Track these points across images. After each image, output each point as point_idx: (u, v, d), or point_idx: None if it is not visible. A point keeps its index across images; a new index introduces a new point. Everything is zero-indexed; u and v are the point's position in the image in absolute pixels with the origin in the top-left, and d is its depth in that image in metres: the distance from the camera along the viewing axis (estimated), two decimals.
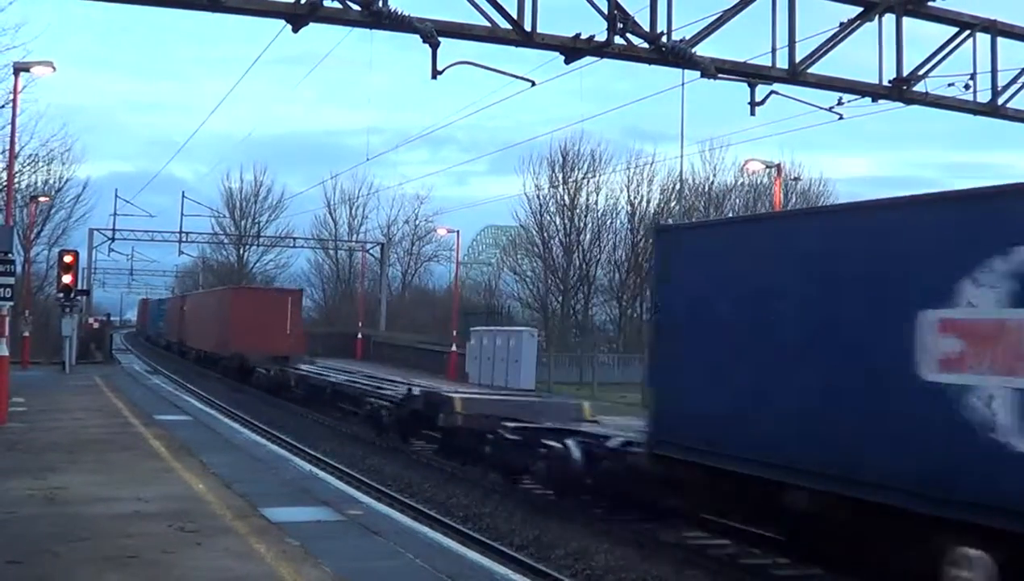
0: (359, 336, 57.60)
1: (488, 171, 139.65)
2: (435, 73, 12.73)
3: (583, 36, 13.05)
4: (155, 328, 79.91)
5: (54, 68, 25.74)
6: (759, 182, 52.26)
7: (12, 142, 27.87)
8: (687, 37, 13.44)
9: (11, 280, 21.31)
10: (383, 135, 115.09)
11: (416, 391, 22.76)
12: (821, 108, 15.73)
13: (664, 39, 13.22)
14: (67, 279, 36.69)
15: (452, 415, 19.81)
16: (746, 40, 14.97)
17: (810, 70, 14.31)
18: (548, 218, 59.52)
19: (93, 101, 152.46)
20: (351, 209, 77.15)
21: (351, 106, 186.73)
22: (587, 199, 58.79)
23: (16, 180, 36.58)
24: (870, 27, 14.38)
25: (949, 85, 15.32)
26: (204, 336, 49.20)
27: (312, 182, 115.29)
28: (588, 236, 58.71)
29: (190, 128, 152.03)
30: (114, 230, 61.36)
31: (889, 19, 14.45)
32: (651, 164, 56.20)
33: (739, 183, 54.96)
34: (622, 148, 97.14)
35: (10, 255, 21.50)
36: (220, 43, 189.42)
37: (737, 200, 55.98)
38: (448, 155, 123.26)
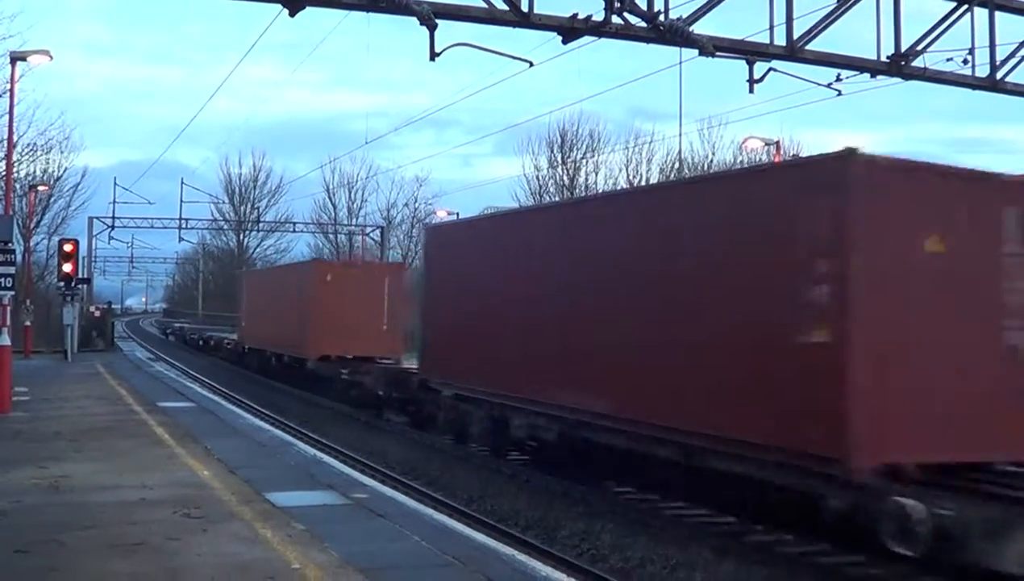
0: None
1: (492, 153, 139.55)
2: (433, 55, 12.68)
3: (580, 16, 13.00)
4: None
5: (51, 57, 25.77)
6: (758, 159, 52.07)
7: (10, 131, 27.99)
8: (684, 16, 13.41)
9: (12, 269, 21.31)
10: (387, 118, 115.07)
11: None
12: (820, 85, 15.72)
13: (662, 18, 13.19)
14: (67, 268, 36.75)
15: None
16: (744, 18, 14.95)
17: (808, 47, 14.27)
18: (548, 198, 59.45)
19: (101, 89, 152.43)
20: (350, 192, 77.06)
21: (355, 89, 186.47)
22: (586, 179, 58.75)
23: (15, 169, 36.64)
24: (868, 3, 14.34)
25: (948, 60, 15.31)
26: None
27: (316, 166, 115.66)
28: None
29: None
30: (114, 218, 61.13)
31: None
32: (650, 143, 56.13)
33: (738, 161, 54.77)
34: (623, 127, 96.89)
35: (10, 244, 21.49)
36: (228, 28, 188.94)
37: None
38: (453, 137, 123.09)
